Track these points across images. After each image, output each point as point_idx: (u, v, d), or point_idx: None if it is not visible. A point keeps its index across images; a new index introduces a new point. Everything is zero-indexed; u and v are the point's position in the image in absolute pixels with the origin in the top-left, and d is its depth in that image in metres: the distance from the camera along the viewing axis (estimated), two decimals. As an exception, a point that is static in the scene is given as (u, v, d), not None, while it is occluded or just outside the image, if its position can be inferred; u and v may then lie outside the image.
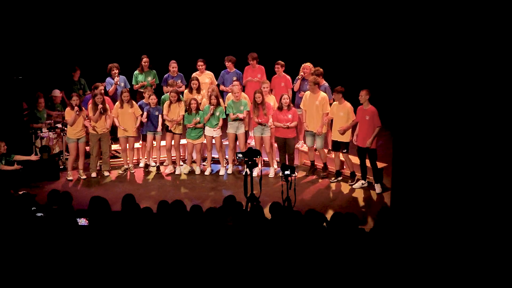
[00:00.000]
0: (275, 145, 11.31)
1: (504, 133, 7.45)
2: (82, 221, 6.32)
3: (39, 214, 6.55)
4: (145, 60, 11.95)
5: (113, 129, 11.31)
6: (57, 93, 11.92)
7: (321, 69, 11.06)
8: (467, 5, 7.41)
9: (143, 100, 11.29)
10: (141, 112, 11.10)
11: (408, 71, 7.95)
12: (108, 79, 11.82)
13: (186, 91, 11.65)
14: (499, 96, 7.43)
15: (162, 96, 11.56)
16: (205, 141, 11.31)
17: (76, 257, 5.89)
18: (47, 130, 11.25)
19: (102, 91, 11.23)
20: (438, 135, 7.73)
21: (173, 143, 11.29)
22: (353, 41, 13.70)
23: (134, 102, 11.18)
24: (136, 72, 12.02)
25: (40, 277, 5.78)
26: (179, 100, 11.07)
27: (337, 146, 10.60)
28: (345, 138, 10.46)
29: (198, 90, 11.47)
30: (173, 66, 11.86)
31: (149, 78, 12.00)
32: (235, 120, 10.98)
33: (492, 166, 7.54)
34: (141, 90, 11.82)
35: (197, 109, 11.00)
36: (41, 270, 5.81)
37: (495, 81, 7.44)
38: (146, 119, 11.07)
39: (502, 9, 7.29)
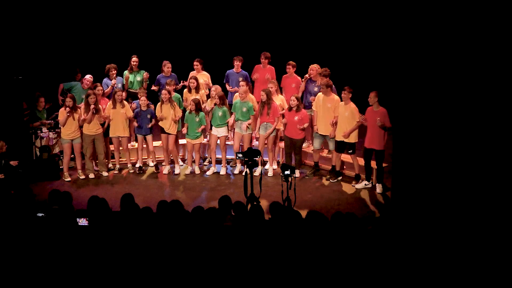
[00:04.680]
0: (280, 145, 11.35)
1: (504, 133, 7.45)
2: (83, 221, 6.32)
3: (39, 214, 6.55)
4: (134, 59, 11.91)
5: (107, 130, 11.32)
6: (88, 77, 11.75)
7: (328, 70, 11.03)
8: (467, 6, 7.41)
9: (138, 101, 11.27)
10: (132, 114, 11.14)
11: (408, 71, 7.95)
12: (105, 80, 11.79)
13: (185, 91, 11.64)
14: (499, 97, 7.43)
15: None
16: (204, 141, 11.34)
17: (76, 257, 5.89)
18: (47, 130, 11.25)
19: (100, 91, 11.21)
20: (438, 135, 7.74)
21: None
22: (354, 42, 13.70)
23: (126, 103, 11.19)
24: (126, 72, 11.98)
25: (40, 277, 5.78)
26: (171, 100, 11.06)
27: (342, 147, 10.59)
28: (352, 139, 10.43)
29: (197, 89, 11.46)
30: (168, 66, 11.83)
31: (138, 78, 11.97)
32: (237, 121, 11.03)
33: (492, 165, 7.55)
34: (132, 90, 11.81)
35: (198, 109, 11.00)
36: (41, 270, 5.82)
37: (495, 82, 7.44)
38: (134, 119, 11.15)
39: (502, 9, 7.29)
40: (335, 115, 10.60)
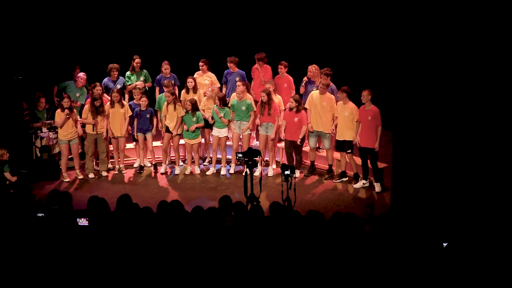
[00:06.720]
0: (279, 145, 11.35)
1: (504, 133, 7.46)
2: (83, 221, 6.32)
3: (39, 214, 6.54)
4: (137, 60, 11.90)
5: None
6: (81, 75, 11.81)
7: (330, 70, 11.01)
8: (467, 5, 7.41)
9: (134, 101, 11.29)
10: (131, 113, 11.13)
11: (408, 71, 7.96)
12: (106, 80, 11.77)
13: (182, 91, 11.62)
14: (499, 96, 7.44)
15: (158, 97, 11.56)
16: (202, 141, 11.34)
17: (76, 257, 5.89)
18: (47, 130, 11.24)
19: (99, 91, 11.17)
20: (438, 136, 7.74)
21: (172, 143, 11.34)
22: (354, 41, 13.69)
23: (124, 103, 11.19)
24: (128, 73, 11.95)
25: (40, 277, 5.78)
26: (175, 100, 11.06)
27: (342, 146, 10.58)
28: (350, 137, 10.41)
29: (195, 89, 11.45)
30: (166, 67, 11.80)
31: (141, 78, 11.95)
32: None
33: (491, 165, 7.55)
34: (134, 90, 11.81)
35: (194, 109, 10.99)
36: (41, 270, 5.82)
37: (495, 81, 7.44)
38: (134, 118, 11.12)
39: (502, 9, 7.30)
40: (335, 114, 10.60)
